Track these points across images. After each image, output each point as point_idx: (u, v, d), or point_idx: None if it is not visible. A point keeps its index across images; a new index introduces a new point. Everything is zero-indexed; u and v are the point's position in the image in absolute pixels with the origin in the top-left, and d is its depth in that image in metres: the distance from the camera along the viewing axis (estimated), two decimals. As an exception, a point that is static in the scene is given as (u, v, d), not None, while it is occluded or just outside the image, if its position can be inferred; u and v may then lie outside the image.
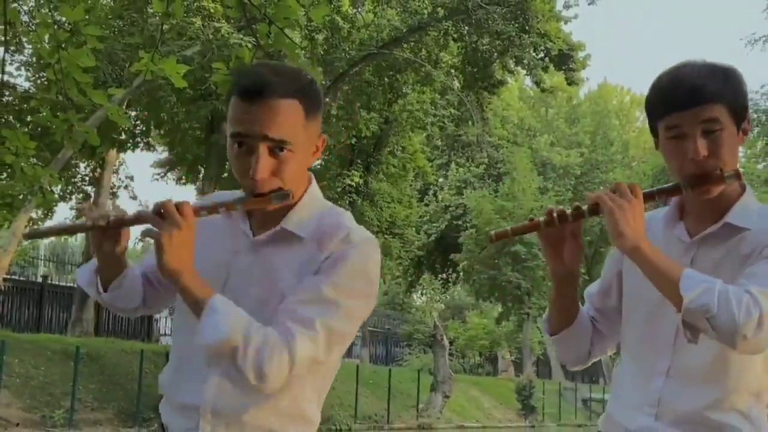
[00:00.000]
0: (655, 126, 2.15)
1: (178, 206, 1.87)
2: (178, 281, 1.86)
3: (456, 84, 28.03)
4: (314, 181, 2.08)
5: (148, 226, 1.91)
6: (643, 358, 2.17)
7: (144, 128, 27.40)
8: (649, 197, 2.09)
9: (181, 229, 1.85)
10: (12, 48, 20.92)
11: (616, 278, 2.34)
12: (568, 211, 2.11)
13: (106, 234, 2.02)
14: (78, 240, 42.18)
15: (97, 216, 2.00)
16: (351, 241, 1.94)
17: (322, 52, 23.43)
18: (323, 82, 23.42)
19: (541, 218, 2.14)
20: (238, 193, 2.01)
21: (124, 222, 1.99)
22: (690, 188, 2.08)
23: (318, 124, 2.02)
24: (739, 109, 2.10)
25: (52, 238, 34.36)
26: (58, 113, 6.04)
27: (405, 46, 25.90)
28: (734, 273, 2.00)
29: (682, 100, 2.05)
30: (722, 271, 2.01)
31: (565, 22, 29.06)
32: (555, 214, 2.11)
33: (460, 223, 40.32)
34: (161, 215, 1.87)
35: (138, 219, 1.95)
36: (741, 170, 2.10)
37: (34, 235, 2.21)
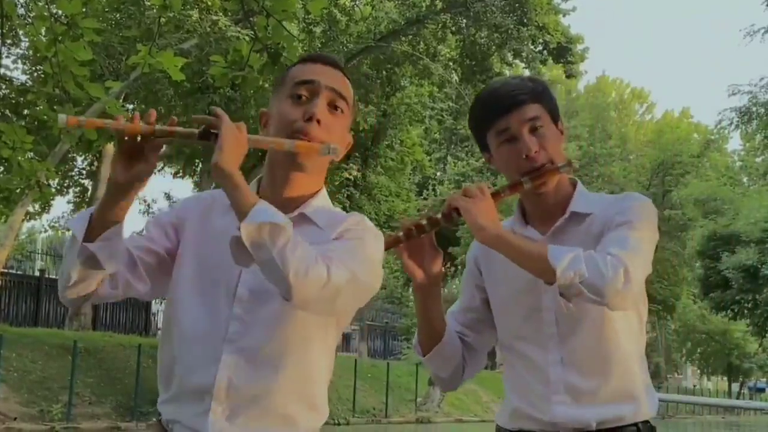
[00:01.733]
0: (484, 140, 2.33)
1: (238, 124, 1.89)
2: (231, 179, 1.81)
3: (454, 77, 28.00)
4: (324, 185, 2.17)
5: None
6: (532, 355, 2.29)
7: (141, 122, 27.34)
8: (495, 195, 2.25)
9: (242, 134, 1.87)
10: (8, 41, 20.88)
11: (476, 290, 2.47)
12: (424, 223, 2.26)
13: (138, 148, 1.86)
14: (75, 234, 42.18)
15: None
16: (366, 225, 2.01)
17: (319, 45, 23.40)
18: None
19: (400, 233, 2.27)
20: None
21: (178, 132, 1.88)
22: (530, 182, 2.23)
23: (351, 119, 2.17)
24: (552, 108, 2.32)
25: (49, 232, 34.37)
26: (55, 107, 6.04)
27: (403, 39, 25.88)
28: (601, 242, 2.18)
29: (505, 104, 2.25)
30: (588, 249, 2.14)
31: (564, 15, 29.06)
32: (413, 228, 2.26)
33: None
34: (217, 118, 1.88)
35: (196, 124, 1.89)
36: (569, 160, 2.27)
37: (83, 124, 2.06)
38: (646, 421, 2.25)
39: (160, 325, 29.94)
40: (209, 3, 19.17)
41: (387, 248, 2.21)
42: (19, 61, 24.79)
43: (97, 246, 1.89)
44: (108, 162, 27.74)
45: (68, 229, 1.92)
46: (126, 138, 1.85)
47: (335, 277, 1.81)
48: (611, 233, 2.16)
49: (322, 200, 2.08)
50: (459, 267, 40.92)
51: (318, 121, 1.99)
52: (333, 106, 2.05)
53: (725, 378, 64.80)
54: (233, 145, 1.83)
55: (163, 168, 31.44)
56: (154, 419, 2.10)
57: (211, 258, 1.99)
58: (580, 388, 2.22)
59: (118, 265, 1.96)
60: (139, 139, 1.85)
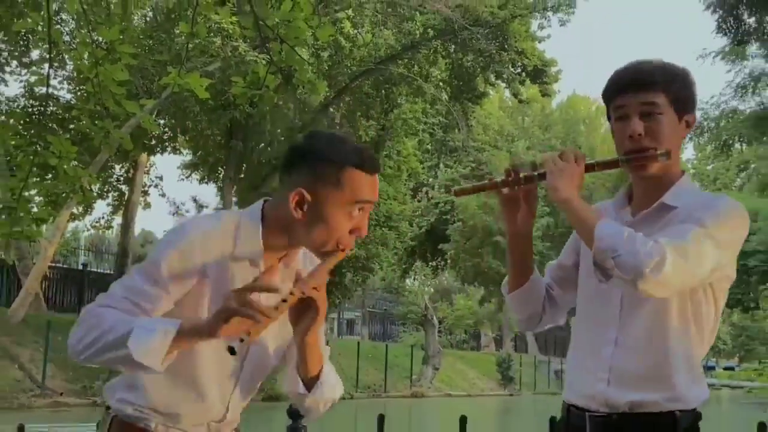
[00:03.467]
0: (608, 111, 2.17)
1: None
2: (311, 348, 1.91)
3: (444, 95, 27.98)
4: None
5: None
6: (594, 330, 2.15)
7: (171, 134, 27.34)
8: (589, 168, 2.11)
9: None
10: (56, 64, 20.84)
11: (573, 253, 2.33)
12: (522, 176, 2.14)
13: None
14: (113, 232, 42.15)
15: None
16: None
17: (327, 68, 23.38)
18: (328, 94, 23.40)
19: (498, 179, 2.18)
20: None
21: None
22: (626, 163, 2.08)
23: None
24: (679, 99, 2.09)
25: (91, 231, 34.25)
26: (96, 121, 6.02)
27: (399, 62, 25.84)
28: None
29: (625, 84, 2.08)
30: None
31: (539, 41, 28.99)
32: (510, 176, 2.14)
33: (448, 217, 40.27)
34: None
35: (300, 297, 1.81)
36: (670, 150, 2.07)
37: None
38: (692, 410, 2.06)
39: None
40: (230, 31, 19.15)
41: (485, 189, 2.20)
42: (65, 81, 24.78)
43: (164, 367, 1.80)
44: (142, 169, 27.72)
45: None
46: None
47: None
48: (678, 225, 1.98)
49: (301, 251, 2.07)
50: (449, 261, 40.91)
51: None
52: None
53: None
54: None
55: (190, 175, 31.41)
56: (109, 410, 2.03)
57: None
58: (624, 371, 2.07)
59: None
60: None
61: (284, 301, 1.75)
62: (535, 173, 2.13)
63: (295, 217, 1.87)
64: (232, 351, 1.69)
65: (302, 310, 1.85)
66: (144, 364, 1.74)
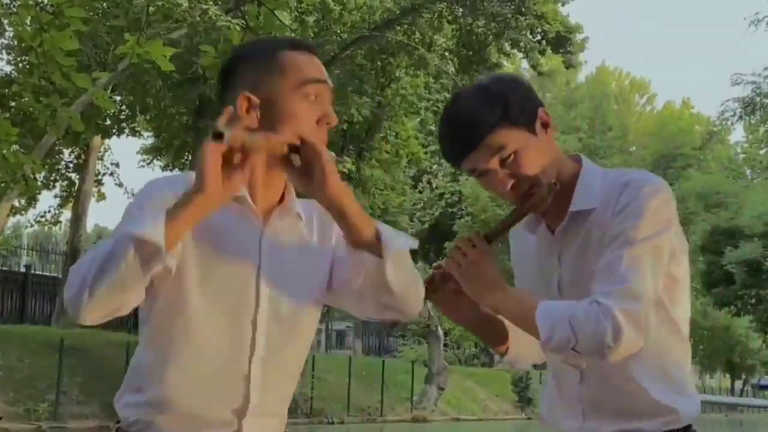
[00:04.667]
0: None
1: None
2: (347, 202, 1.89)
3: (450, 68, 27.98)
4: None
5: None
6: (558, 365, 2.22)
7: (129, 113, 27.34)
8: (495, 236, 2.15)
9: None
10: (-8, 31, 20.84)
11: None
12: (436, 280, 2.21)
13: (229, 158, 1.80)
14: (62, 229, 42.12)
15: None
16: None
17: (312, 35, 23.38)
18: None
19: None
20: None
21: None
22: (522, 214, 2.14)
23: None
24: (521, 117, 2.08)
25: (35, 227, 34.28)
26: (41, 98, 6.02)
27: (398, 28, 25.86)
28: (597, 257, 2.04)
29: (463, 146, 2.07)
30: (585, 258, 2.07)
31: (563, 4, 29.04)
32: (428, 286, 2.18)
33: (455, 210, 40.40)
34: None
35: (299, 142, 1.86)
36: (553, 182, 2.09)
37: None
38: (686, 427, 2.11)
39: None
40: (199, -9, 19.15)
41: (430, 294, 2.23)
42: (4, 51, 24.77)
43: (173, 262, 1.83)
44: (95, 155, 27.72)
45: (98, 238, 1.73)
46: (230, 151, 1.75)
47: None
48: (605, 255, 2.01)
49: (293, 191, 2.07)
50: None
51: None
52: None
53: (727, 375, 64.98)
54: (333, 161, 1.88)
55: (151, 161, 31.42)
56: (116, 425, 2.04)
57: (219, 260, 1.94)
58: (596, 401, 2.14)
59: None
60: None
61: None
62: (447, 270, 2.18)
63: (251, 125, 1.91)
64: (218, 136, 1.70)
65: (304, 174, 1.87)
66: (146, 238, 1.70)
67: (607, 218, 2.05)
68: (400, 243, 1.94)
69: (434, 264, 2.26)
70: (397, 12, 25.43)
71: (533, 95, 2.17)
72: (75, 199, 27.98)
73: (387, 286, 1.93)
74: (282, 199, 2.02)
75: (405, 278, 1.98)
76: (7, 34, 22.93)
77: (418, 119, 31.24)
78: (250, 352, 1.96)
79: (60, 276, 27.53)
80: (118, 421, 2.04)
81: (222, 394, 1.96)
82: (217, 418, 1.96)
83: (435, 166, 41.99)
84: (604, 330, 1.91)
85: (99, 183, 29.46)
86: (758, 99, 28.26)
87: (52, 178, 28.59)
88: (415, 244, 1.99)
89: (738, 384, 62.75)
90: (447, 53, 27.97)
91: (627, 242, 1.99)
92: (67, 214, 29.84)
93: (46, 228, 34.38)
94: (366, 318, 2.13)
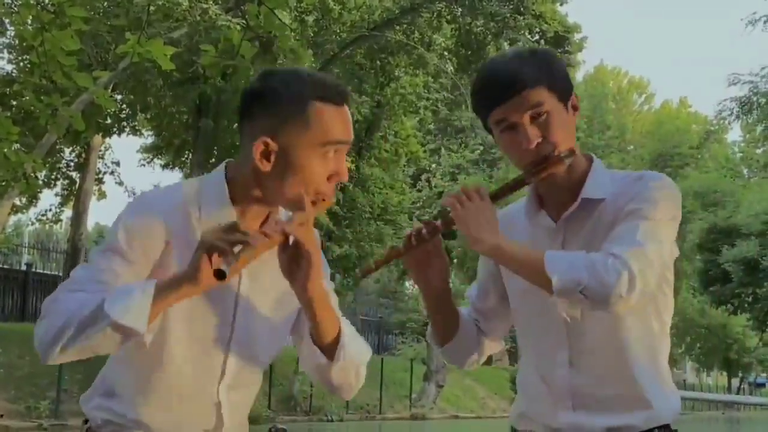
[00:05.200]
0: (485, 122, 2.19)
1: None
2: (320, 304, 1.93)
3: (449, 67, 27.98)
4: None
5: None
6: (542, 353, 2.21)
7: (130, 112, 27.29)
8: (496, 196, 2.14)
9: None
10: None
11: (491, 279, 2.37)
12: (424, 231, 2.16)
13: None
14: (63, 227, 42.10)
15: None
16: None
17: (312, 34, 23.37)
18: (313, 65, 23.37)
19: (400, 245, 2.18)
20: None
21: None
22: (532, 176, 2.11)
23: None
24: (560, 87, 2.12)
25: (36, 225, 34.27)
26: (42, 97, 6.01)
27: (397, 28, 25.84)
28: (603, 245, 2.04)
29: (501, 93, 2.08)
30: (594, 246, 2.05)
31: (561, 4, 29.04)
32: (413, 238, 2.15)
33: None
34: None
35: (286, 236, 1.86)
36: (576, 146, 2.13)
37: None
38: (665, 425, 2.13)
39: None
40: (199, -9, 19.12)
41: (388, 261, 2.19)
42: (5, 50, 24.71)
43: (150, 336, 1.84)
44: (96, 154, 27.69)
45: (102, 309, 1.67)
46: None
47: None
48: (620, 226, 2.04)
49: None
50: (455, 260, 40.96)
51: None
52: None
53: (724, 373, 64.98)
54: (320, 258, 1.91)
55: (152, 160, 31.39)
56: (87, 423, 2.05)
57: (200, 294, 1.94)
58: (588, 393, 2.13)
59: None
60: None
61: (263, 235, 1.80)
62: (437, 222, 2.15)
63: (263, 170, 1.90)
64: (220, 275, 1.71)
65: (293, 263, 1.88)
66: (127, 325, 1.76)
67: (620, 205, 2.08)
68: (354, 353, 2.01)
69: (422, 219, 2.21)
70: (397, 11, 25.41)
71: (568, 75, 2.20)
72: (76, 197, 27.96)
73: (329, 382, 2.03)
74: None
75: (347, 381, 2.05)
76: (8, 33, 22.90)
77: (417, 118, 31.22)
78: (220, 379, 2.00)
79: (61, 274, 27.50)
80: (86, 421, 2.05)
81: (193, 416, 2.00)
82: None
83: (434, 165, 41.99)
84: (619, 279, 1.91)
85: (100, 181, 29.45)
86: (755, 98, 28.27)
87: (53, 176, 28.56)
88: (369, 354, 2.07)
89: (735, 382, 62.73)
90: (446, 53, 27.96)
91: (643, 217, 2.03)
92: (68, 213, 29.84)
93: (47, 226, 34.34)
94: None
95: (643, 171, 2.17)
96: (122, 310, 1.75)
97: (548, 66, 2.12)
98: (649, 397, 2.11)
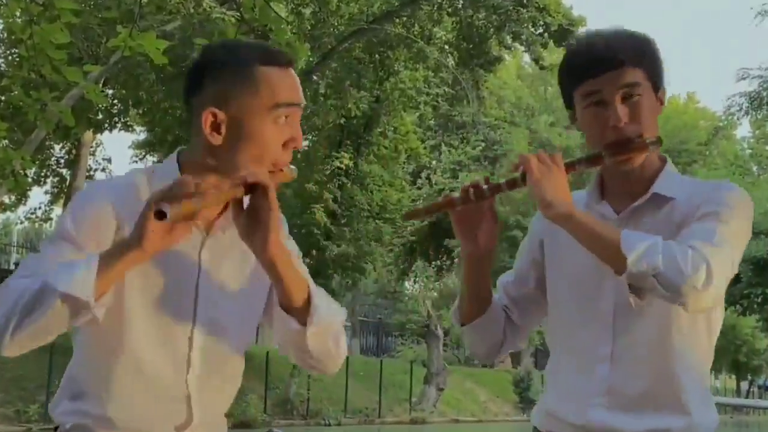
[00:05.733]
0: (570, 96, 2.16)
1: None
2: (281, 265, 1.86)
3: (450, 61, 27.97)
4: None
5: None
6: (581, 347, 2.16)
7: (122, 107, 27.29)
8: (570, 167, 2.09)
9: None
10: (-19, 23, 20.79)
11: (533, 266, 2.34)
12: (485, 187, 2.11)
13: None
14: (53, 226, 42.09)
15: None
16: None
17: (309, 27, 23.35)
18: (310, 59, 23.37)
19: (456, 194, 2.13)
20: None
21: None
22: (611, 156, 2.08)
23: None
24: (656, 75, 2.13)
25: (25, 224, 34.29)
26: (31, 92, 6.01)
27: (397, 20, 25.81)
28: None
29: (600, 65, 2.07)
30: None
31: (565, -4, 29.00)
32: (471, 191, 2.11)
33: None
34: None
35: (247, 185, 1.82)
36: (659, 137, 2.09)
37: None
38: None
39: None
40: (193, -17, 19.11)
41: (440, 209, 2.17)
42: (-7, 44, 24.69)
43: (99, 310, 1.80)
44: (87, 150, 27.69)
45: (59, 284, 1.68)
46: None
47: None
48: (696, 224, 2.00)
49: None
50: (456, 260, 40.97)
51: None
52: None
53: (733, 376, 64.98)
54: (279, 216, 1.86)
55: (144, 156, 31.41)
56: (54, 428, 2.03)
57: (157, 274, 1.93)
58: (625, 392, 2.08)
59: None
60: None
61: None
62: (502, 182, 2.12)
63: (214, 143, 1.89)
64: (160, 215, 1.68)
65: (250, 224, 1.85)
66: (73, 295, 1.73)
67: (692, 208, 2.05)
68: (327, 314, 1.94)
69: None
70: (396, 4, 25.39)
71: (663, 69, 2.19)
72: (66, 195, 27.99)
73: (306, 351, 1.94)
74: (227, 208, 1.97)
75: (326, 347, 1.97)
76: (-4, 26, 22.88)
77: (417, 114, 31.20)
78: (187, 368, 1.95)
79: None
80: (56, 428, 2.01)
81: (161, 410, 1.95)
82: None
83: (434, 162, 41.98)
84: (697, 273, 1.87)
85: (91, 179, 29.43)
86: (765, 94, 28.23)
87: (42, 173, 28.58)
88: (344, 315, 2.00)
89: (744, 385, 62.75)
90: (447, 46, 27.95)
91: (722, 221, 2.00)
92: (58, 211, 29.83)
93: (36, 225, 34.34)
94: None
95: (721, 181, 2.15)
96: (67, 281, 1.73)
97: (650, 51, 2.13)
98: (689, 405, 2.07)
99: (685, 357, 2.07)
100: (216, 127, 1.90)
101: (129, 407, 1.93)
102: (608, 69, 2.06)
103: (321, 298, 1.94)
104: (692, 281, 1.86)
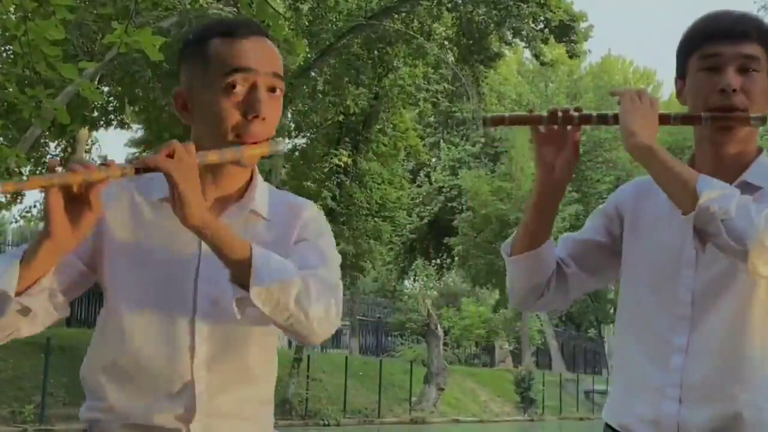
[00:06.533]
0: (685, 63, 2.16)
1: (186, 147, 1.77)
2: (209, 231, 1.76)
3: (450, 57, 27.97)
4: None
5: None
6: (655, 336, 2.12)
7: (117, 105, 27.27)
8: (664, 119, 2.08)
9: (194, 169, 1.76)
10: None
11: (605, 234, 2.31)
12: (574, 114, 2.09)
13: (76, 196, 1.75)
14: (48, 224, 42.04)
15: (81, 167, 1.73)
16: (321, 218, 2.04)
17: (307, 23, 23.35)
18: (308, 56, 23.37)
19: (543, 113, 2.11)
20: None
21: (120, 172, 1.75)
22: (711, 120, 2.07)
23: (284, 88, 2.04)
24: None
25: (20, 223, 34.28)
26: (26, 89, 6.01)
27: (396, 16, 25.82)
28: None
29: (726, 31, 2.09)
30: None
31: (566, -9, 28.98)
32: (560, 113, 2.09)
33: (454, 205, 40.40)
34: (171, 158, 1.74)
35: (144, 167, 1.74)
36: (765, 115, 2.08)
37: (17, 187, 2.05)
38: None
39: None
40: (189, -22, 19.12)
41: (524, 122, 2.14)
42: (-13, 40, 24.67)
43: (31, 300, 1.82)
44: (82, 148, 27.68)
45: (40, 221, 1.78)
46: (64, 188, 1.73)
47: (340, 304, 1.90)
48: None
49: (260, 186, 2.02)
50: (456, 258, 40.99)
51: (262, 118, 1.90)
52: (271, 90, 1.94)
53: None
54: (193, 188, 1.74)
55: (141, 154, 31.38)
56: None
57: (153, 261, 1.91)
58: (701, 385, 2.04)
59: (42, 304, 1.89)
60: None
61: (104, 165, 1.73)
62: (594, 114, 2.11)
63: (186, 121, 1.94)
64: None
65: (172, 202, 1.79)
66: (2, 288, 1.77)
67: None
68: (271, 272, 1.78)
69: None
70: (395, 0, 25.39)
71: None
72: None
73: (268, 318, 1.83)
74: (244, 194, 1.98)
75: (285, 309, 1.81)
76: (-10, 22, 22.86)
77: (417, 110, 31.22)
78: (191, 356, 1.92)
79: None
80: (85, 430, 2.02)
81: (163, 400, 1.92)
82: (162, 424, 1.92)
83: (434, 159, 42.01)
84: (767, 227, 1.84)
85: (86, 177, 29.40)
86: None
87: (37, 171, 28.52)
88: (291, 272, 1.81)
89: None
90: (446, 42, 27.95)
91: None
92: (53, 210, 29.78)
93: (31, 224, 34.30)
94: None
95: None
96: None
97: None
98: (762, 394, 2.03)
99: (760, 347, 2.03)
100: (184, 107, 1.95)
101: (131, 398, 1.92)
102: (734, 37, 2.08)
103: (267, 260, 1.80)
104: (762, 236, 1.84)
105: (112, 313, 1.94)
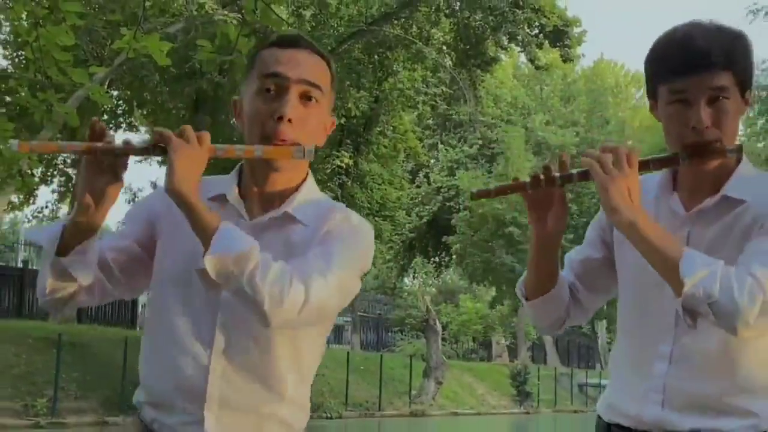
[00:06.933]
0: (654, 88, 2.09)
1: (198, 134, 1.84)
2: (186, 203, 1.79)
3: (448, 61, 27.96)
4: (310, 171, 2.11)
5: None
6: (643, 341, 2.11)
7: (126, 108, 27.29)
8: (643, 166, 2.01)
9: (195, 151, 1.82)
10: (-12, 26, 20.78)
11: (602, 246, 2.29)
12: (556, 175, 2.05)
13: (102, 164, 1.85)
14: (59, 224, 42.09)
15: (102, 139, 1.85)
16: (351, 223, 1.98)
17: (309, 29, 23.34)
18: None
19: (527, 179, 2.08)
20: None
21: (133, 148, 1.88)
22: (688, 158, 2.02)
23: (332, 100, 2.10)
24: (745, 78, 2.05)
25: (33, 222, 34.26)
26: (37, 93, 6.01)
27: (395, 22, 25.81)
28: (733, 248, 1.96)
29: (691, 65, 1.98)
30: (720, 246, 1.98)
31: (560, -3, 28.99)
32: (542, 178, 2.04)
33: (452, 204, 40.34)
34: (179, 137, 1.84)
35: (154, 145, 1.86)
36: (742, 143, 2.04)
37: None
38: None
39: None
40: (195, -14, 19.11)
41: (510, 191, 2.13)
42: (0, 46, 24.66)
43: (69, 260, 1.89)
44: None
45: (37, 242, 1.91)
46: (91, 155, 1.84)
47: (315, 296, 1.82)
48: (760, 241, 1.93)
49: (307, 192, 2.03)
50: (454, 256, 40.98)
51: (289, 120, 1.92)
52: (306, 98, 1.97)
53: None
54: (185, 165, 1.80)
55: (149, 157, 31.36)
56: (136, 416, 2.07)
57: (190, 256, 1.91)
58: (683, 393, 2.03)
59: (93, 274, 1.95)
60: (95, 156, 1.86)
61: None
62: (574, 172, 2.05)
63: (241, 130, 2.02)
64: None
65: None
66: (36, 241, 1.96)
67: (761, 209, 1.98)
68: (227, 242, 1.77)
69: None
70: (395, 6, 25.38)
71: (753, 69, 2.13)
72: (72, 194, 27.96)
73: (222, 286, 1.82)
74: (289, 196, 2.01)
75: (238, 284, 1.77)
76: (2, 28, 22.86)
77: (416, 113, 31.19)
78: (210, 344, 1.94)
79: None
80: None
81: (183, 384, 1.95)
82: (182, 407, 1.95)
83: (432, 161, 41.98)
84: (753, 302, 1.82)
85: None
86: (756, 92, 28.24)
87: (49, 173, 28.54)
88: (247, 243, 1.77)
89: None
90: (444, 47, 27.94)
91: None
92: (64, 210, 29.82)
93: (44, 223, 34.31)
94: None
95: None
96: (37, 233, 1.96)
97: (742, 51, 2.04)
98: (755, 408, 2.01)
99: (750, 362, 2.02)
100: (239, 115, 2.05)
101: (154, 378, 2.01)
102: (697, 70, 1.98)
103: (230, 233, 1.79)
104: (746, 315, 1.82)
105: (152, 299, 2.04)
